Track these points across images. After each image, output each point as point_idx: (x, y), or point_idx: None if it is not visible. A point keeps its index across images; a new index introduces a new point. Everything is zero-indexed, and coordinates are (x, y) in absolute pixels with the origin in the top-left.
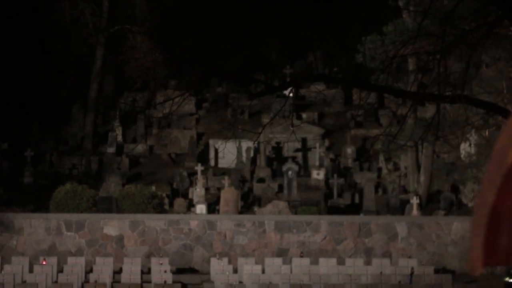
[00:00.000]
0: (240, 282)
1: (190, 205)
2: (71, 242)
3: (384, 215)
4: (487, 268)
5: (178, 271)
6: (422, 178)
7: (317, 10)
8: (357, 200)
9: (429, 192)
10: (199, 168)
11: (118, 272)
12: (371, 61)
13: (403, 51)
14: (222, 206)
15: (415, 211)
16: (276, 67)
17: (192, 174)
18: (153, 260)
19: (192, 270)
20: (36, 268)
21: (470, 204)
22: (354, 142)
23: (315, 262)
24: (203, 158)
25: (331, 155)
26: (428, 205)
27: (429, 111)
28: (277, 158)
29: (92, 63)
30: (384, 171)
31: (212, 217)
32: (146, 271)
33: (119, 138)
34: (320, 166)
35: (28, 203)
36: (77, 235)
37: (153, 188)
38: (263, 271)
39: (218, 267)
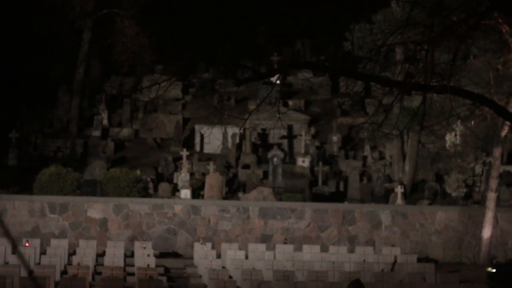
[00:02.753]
0: (223, 267)
1: (175, 190)
2: (55, 224)
3: (368, 203)
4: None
5: (161, 255)
6: (407, 167)
7: None
8: (341, 188)
9: (413, 181)
10: (184, 153)
11: (101, 255)
12: (359, 50)
13: (391, 41)
14: (206, 191)
15: (399, 200)
16: (263, 54)
17: (177, 159)
18: (137, 244)
19: (175, 255)
20: (19, 249)
21: (454, 194)
22: (340, 130)
23: (298, 249)
24: (188, 143)
25: (317, 143)
26: (413, 194)
27: (415, 100)
28: (262, 144)
29: (79, 47)
30: (369, 159)
31: (197, 202)
32: (129, 255)
33: (105, 121)
34: (306, 153)
35: (12, 185)
36: (60, 217)
37: (138, 172)
38: (247, 257)
39: (202, 252)
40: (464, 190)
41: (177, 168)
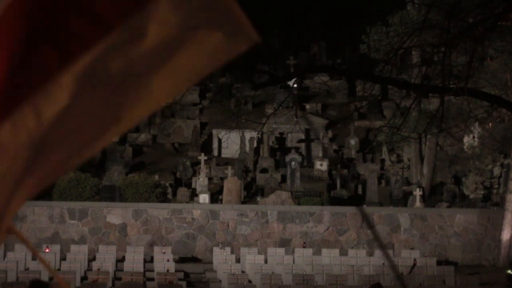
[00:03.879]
0: (243, 271)
1: (193, 195)
2: (74, 230)
3: (387, 206)
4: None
5: (180, 260)
6: (425, 170)
7: (321, 0)
8: (360, 191)
9: (432, 184)
10: (202, 157)
11: (120, 260)
12: (375, 53)
13: (408, 43)
14: (225, 195)
15: (418, 203)
16: (279, 58)
17: (195, 163)
18: (156, 249)
19: (194, 259)
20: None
21: (471, 196)
22: (357, 134)
23: (317, 252)
24: (206, 148)
25: (335, 146)
26: (431, 197)
27: (433, 103)
28: (280, 148)
29: None
30: (387, 162)
31: (215, 206)
32: (149, 260)
33: None
34: (324, 157)
35: None
36: (80, 223)
37: (156, 177)
38: (266, 261)
39: (221, 257)
40: (482, 192)
41: (195, 173)
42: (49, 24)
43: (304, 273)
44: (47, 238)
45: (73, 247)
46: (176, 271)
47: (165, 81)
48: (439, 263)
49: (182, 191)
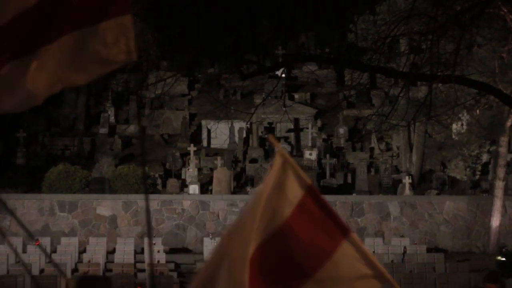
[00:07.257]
0: None
1: (183, 186)
2: (64, 222)
3: (376, 194)
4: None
5: (171, 251)
6: (414, 158)
7: None
8: (349, 180)
9: (421, 172)
10: (191, 148)
11: (111, 252)
12: (363, 41)
13: (395, 32)
14: (214, 186)
15: (407, 191)
16: (268, 48)
17: (185, 154)
18: (146, 240)
19: (185, 250)
20: (29, 248)
21: (457, 177)
22: (346, 123)
23: None
24: (195, 138)
25: (324, 135)
26: (420, 184)
27: (421, 91)
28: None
29: None
30: (377, 151)
31: (205, 197)
32: (139, 251)
33: (112, 119)
34: (313, 146)
35: (21, 184)
36: (70, 215)
37: (146, 168)
38: None
39: (211, 247)
40: (465, 176)
41: (184, 164)
42: None
43: None
44: (37, 231)
45: (64, 240)
46: (167, 262)
47: None
48: (429, 250)
49: (172, 182)
